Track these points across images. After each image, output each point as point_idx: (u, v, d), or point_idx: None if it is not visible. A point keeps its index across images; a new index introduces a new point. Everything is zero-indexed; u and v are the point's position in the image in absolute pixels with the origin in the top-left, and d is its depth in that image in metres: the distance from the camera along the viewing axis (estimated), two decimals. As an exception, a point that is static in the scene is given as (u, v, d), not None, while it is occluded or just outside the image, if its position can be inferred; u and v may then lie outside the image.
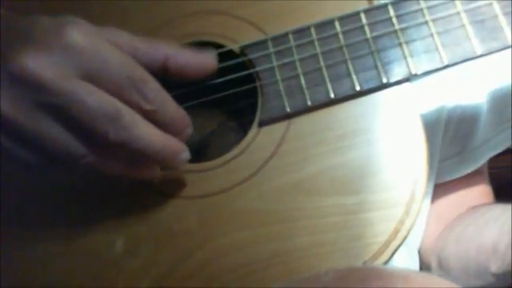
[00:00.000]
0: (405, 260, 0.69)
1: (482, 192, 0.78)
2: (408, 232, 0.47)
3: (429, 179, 0.49)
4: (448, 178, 0.74)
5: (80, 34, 0.42)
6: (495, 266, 0.63)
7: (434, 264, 0.74)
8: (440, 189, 0.75)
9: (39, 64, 0.41)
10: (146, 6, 0.55)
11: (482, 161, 0.75)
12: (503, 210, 0.65)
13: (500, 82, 0.68)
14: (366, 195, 0.48)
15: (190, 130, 0.47)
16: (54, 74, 0.41)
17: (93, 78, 0.42)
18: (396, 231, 0.47)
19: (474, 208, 0.75)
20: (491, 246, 0.63)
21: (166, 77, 0.47)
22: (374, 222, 0.47)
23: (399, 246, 0.47)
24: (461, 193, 0.77)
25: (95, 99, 0.42)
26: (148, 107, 0.44)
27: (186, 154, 0.46)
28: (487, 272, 0.64)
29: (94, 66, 0.42)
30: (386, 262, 0.47)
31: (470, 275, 0.68)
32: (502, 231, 0.63)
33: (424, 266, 0.75)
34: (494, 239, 0.63)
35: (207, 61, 0.48)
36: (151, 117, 0.44)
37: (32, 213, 0.51)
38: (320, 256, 0.47)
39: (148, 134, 0.43)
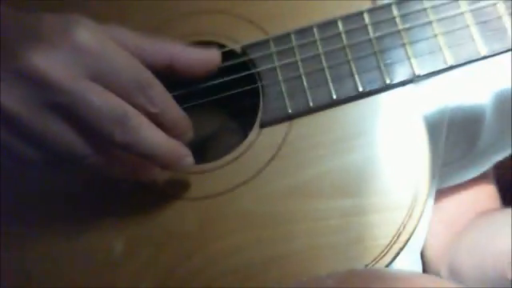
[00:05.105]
0: (407, 263, 0.68)
1: (488, 195, 0.77)
2: (410, 235, 0.47)
3: (432, 181, 0.48)
4: (453, 183, 0.73)
5: (88, 34, 0.42)
6: None
7: (443, 273, 0.72)
8: (446, 194, 0.74)
9: (48, 63, 0.41)
10: (145, 5, 0.54)
11: (487, 165, 0.73)
12: None
13: (505, 84, 0.67)
14: (368, 198, 0.47)
15: (190, 134, 0.47)
16: (63, 74, 0.41)
17: (100, 79, 0.42)
18: (398, 234, 0.47)
19: (484, 214, 0.73)
20: (507, 252, 0.62)
21: (170, 75, 0.47)
22: (375, 225, 0.47)
23: (401, 249, 0.47)
24: (468, 198, 0.76)
25: (103, 100, 0.42)
26: (153, 110, 0.44)
27: (190, 159, 0.46)
28: (505, 279, 0.62)
29: (102, 67, 0.42)
30: (388, 266, 0.46)
31: (486, 283, 0.66)
32: None
33: (431, 273, 0.74)
34: (509, 245, 0.61)
35: (211, 58, 0.48)
36: (154, 120, 0.44)
37: (32, 213, 0.50)
38: (320, 259, 0.46)
39: (153, 137, 0.44)
